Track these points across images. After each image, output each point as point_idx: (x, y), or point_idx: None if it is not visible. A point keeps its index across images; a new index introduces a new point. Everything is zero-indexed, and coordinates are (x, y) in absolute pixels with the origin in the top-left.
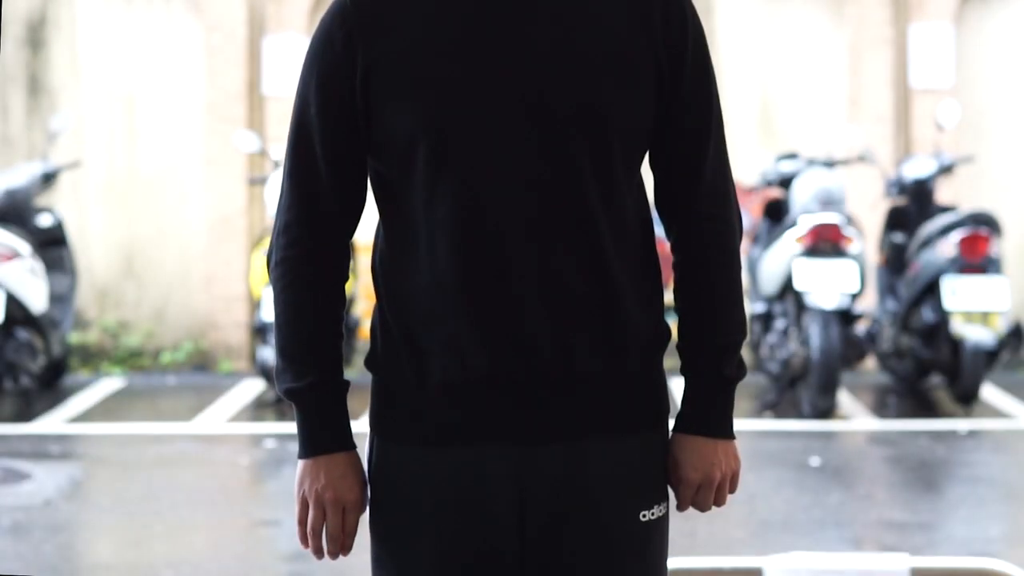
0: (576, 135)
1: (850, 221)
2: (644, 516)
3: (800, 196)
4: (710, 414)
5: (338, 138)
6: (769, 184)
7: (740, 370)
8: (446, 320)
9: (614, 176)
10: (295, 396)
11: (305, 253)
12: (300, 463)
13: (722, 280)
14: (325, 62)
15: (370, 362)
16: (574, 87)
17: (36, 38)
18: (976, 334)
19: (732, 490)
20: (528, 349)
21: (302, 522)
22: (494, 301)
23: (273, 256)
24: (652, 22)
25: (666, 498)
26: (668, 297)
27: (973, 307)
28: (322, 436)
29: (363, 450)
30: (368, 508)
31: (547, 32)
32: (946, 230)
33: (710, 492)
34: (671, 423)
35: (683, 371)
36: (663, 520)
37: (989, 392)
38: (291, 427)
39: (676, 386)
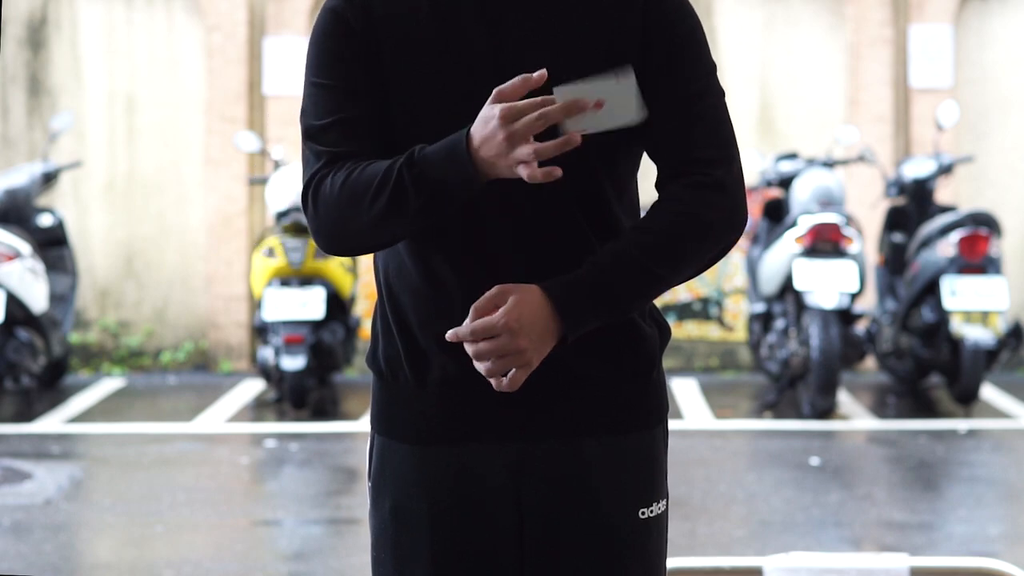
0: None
1: (850, 221)
2: (643, 513)
3: (800, 196)
4: (574, 295)
5: (351, 100)
6: (769, 184)
7: (626, 307)
8: (445, 320)
9: (595, 175)
10: (421, 172)
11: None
12: (467, 161)
13: (689, 232)
14: (336, 38)
15: (371, 360)
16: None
17: (36, 38)
18: (976, 334)
19: (502, 353)
20: None
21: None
22: None
23: (315, 192)
24: (634, 12)
25: (665, 495)
26: (668, 297)
27: (973, 307)
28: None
29: (364, 449)
30: (368, 506)
31: (527, 25)
32: (946, 230)
33: (497, 336)
34: (669, 423)
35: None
36: (662, 517)
37: (989, 392)
38: (291, 427)
39: (676, 386)
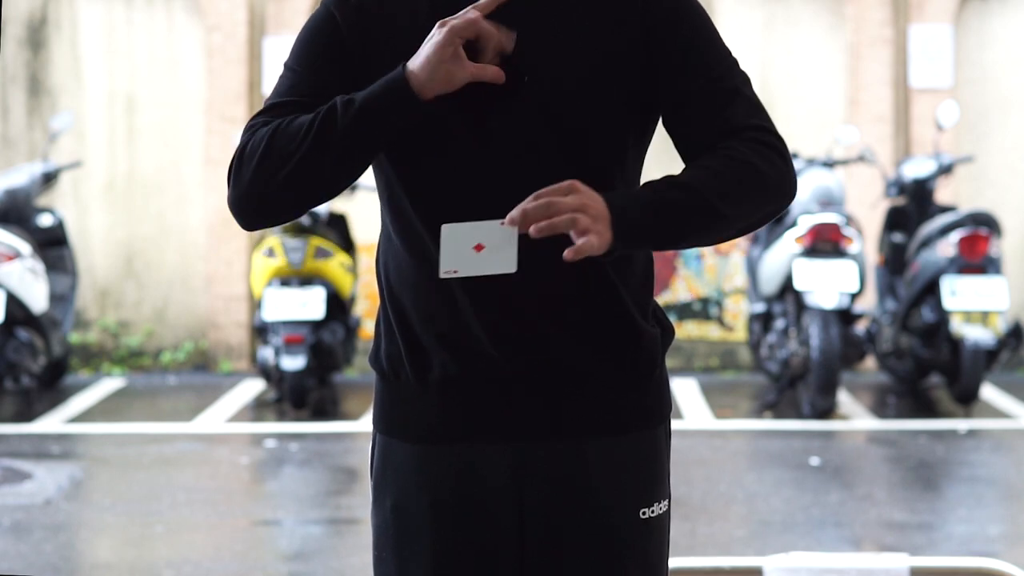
0: (548, 135)
1: (849, 221)
2: (644, 513)
3: (800, 196)
4: (631, 209)
5: (315, 92)
6: None
7: (676, 234)
8: (445, 318)
9: (603, 172)
10: (352, 99)
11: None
12: (410, 87)
13: (747, 177)
14: (321, 36)
15: (373, 360)
16: (543, 90)
17: (36, 38)
18: (976, 334)
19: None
20: (524, 347)
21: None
22: (488, 300)
23: (240, 153)
24: (633, 11)
25: (667, 496)
26: (668, 297)
27: (973, 307)
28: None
29: (364, 449)
30: (371, 505)
31: (526, 24)
32: (946, 230)
33: (569, 194)
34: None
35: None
36: (664, 518)
37: (989, 392)
38: (291, 427)
39: (676, 386)
